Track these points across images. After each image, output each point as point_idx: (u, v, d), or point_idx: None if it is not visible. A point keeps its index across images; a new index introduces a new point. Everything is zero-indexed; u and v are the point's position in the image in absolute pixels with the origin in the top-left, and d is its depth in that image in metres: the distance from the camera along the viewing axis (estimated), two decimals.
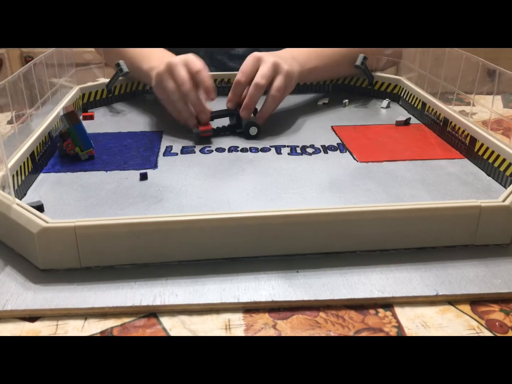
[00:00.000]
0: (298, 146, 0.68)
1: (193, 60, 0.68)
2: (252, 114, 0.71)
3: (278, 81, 0.69)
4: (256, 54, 0.70)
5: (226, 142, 0.70)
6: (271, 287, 0.41)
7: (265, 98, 0.70)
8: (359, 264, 0.44)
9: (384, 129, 0.74)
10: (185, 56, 0.69)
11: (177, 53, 0.71)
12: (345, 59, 0.83)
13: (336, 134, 0.72)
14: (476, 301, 0.41)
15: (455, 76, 0.67)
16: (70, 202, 0.54)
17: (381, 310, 0.40)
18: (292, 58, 0.73)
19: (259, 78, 0.67)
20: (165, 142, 0.69)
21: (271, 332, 0.37)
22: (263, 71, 0.68)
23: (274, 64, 0.68)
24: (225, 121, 0.73)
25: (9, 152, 0.55)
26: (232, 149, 0.67)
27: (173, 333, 0.38)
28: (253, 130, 0.71)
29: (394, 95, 0.86)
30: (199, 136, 0.70)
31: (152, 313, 0.40)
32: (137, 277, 0.43)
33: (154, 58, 0.74)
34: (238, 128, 0.72)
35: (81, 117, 0.79)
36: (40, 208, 0.50)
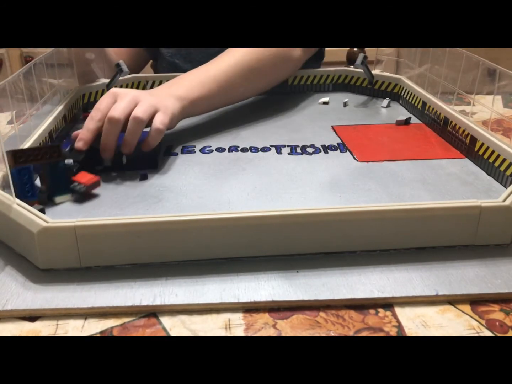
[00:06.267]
0: (298, 146, 0.68)
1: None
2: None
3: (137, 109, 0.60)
4: (114, 90, 0.61)
5: (226, 142, 0.70)
6: (271, 287, 0.41)
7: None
8: (359, 264, 0.44)
9: (384, 129, 0.74)
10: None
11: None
12: (246, 75, 0.73)
13: (336, 133, 0.72)
14: (476, 301, 0.41)
15: (455, 76, 0.67)
16: (70, 202, 0.54)
17: (381, 310, 0.40)
18: (169, 95, 0.65)
19: (140, 113, 0.58)
20: (165, 142, 0.69)
21: (271, 332, 0.37)
22: (142, 107, 0.59)
23: (152, 103, 0.61)
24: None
25: None
26: (232, 149, 0.67)
27: (173, 333, 0.38)
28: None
29: (395, 94, 0.86)
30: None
31: (152, 313, 0.40)
32: (137, 277, 0.43)
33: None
34: (98, 165, 0.60)
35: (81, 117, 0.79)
36: (42, 210, 0.49)
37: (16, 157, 0.50)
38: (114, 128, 0.58)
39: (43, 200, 0.52)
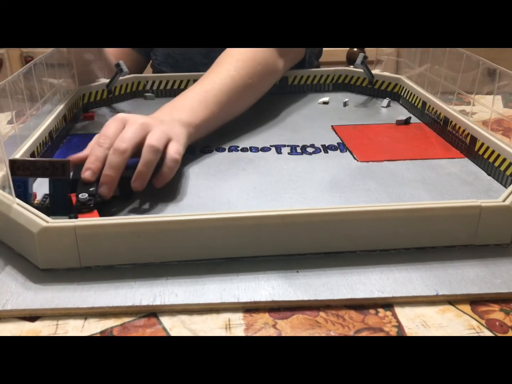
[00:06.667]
0: (298, 146, 0.68)
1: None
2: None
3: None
4: (123, 115, 0.56)
5: (226, 142, 0.70)
6: (271, 287, 0.41)
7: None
8: (359, 264, 0.44)
9: (384, 128, 0.74)
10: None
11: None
12: (242, 92, 0.71)
13: (336, 133, 0.72)
14: (476, 301, 0.41)
15: (455, 76, 0.67)
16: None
17: (381, 310, 0.40)
18: (175, 121, 0.60)
19: (155, 141, 0.53)
20: None
21: (271, 332, 0.38)
22: (156, 135, 0.54)
23: (164, 130, 0.56)
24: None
25: (10, 152, 0.55)
26: (232, 148, 0.67)
27: (173, 333, 0.38)
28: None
29: (395, 94, 0.86)
30: None
31: (152, 313, 0.40)
32: (137, 277, 0.43)
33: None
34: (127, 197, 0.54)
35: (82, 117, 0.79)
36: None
37: (13, 167, 0.45)
38: (120, 159, 0.51)
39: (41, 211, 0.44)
